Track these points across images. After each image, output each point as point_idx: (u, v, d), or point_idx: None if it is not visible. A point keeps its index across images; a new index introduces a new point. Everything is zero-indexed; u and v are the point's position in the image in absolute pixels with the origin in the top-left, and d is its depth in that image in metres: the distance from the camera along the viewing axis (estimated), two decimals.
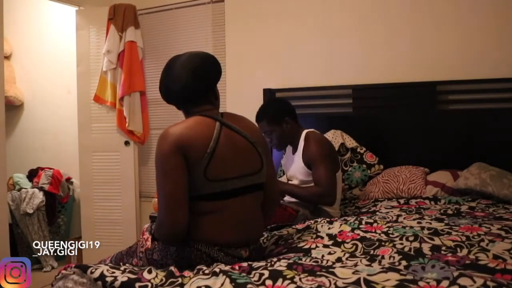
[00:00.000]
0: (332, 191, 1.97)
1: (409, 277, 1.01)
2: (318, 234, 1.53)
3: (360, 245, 1.38)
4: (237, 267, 1.16)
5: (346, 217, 1.72)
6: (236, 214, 1.32)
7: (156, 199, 2.43)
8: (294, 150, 2.16)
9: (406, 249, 1.29)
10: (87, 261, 2.82)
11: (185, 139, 1.26)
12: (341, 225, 1.56)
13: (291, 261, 1.21)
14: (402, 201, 2.20)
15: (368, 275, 1.02)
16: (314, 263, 1.19)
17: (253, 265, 1.16)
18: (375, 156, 2.56)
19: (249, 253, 1.35)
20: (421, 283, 0.96)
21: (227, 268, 1.14)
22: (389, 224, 1.56)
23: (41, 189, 3.41)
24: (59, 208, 3.54)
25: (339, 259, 1.27)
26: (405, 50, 2.69)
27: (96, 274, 1.09)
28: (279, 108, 2.17)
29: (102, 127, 3.36)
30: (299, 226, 1.68)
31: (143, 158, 3.49)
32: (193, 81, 1.35)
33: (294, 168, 2.13)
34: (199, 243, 1.28)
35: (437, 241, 1.35)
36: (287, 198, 2.11)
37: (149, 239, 1.36)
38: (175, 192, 1.24)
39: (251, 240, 1.38)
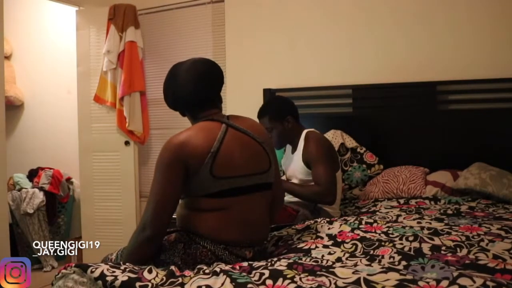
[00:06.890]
0: (332, 190, 1.97)
1: (409, 277, 1.01)
2: (318, 234, 1.53)
3: (360, 245, 1.38)
4: (237, 267, 1.16)
5: (346, 217, 1.72)
6: (243, 213, 1.33)
7: None
8: (294, 149, 2.16)
9: (406, 249, 1.29)
10: (87, 261, 2.79)
11: (186, 149, 1.27)
12: (341, 225, 1.56)
13: (291, 260, 1.21)
14: (402, 201, 2.20)
15: (368, 275, 1.02)
16: (314, 263, 1.19)
17: (253, 264, 1.17)
18: (375, 156, 2.56)
19: (253, 254, 1.36)
20: (421, 283, 0.96)
21: (228, 267, 1.14)
22: (389, 224, 1.56)
23: (41, 189, 3.41)
24: (59, 208, 3.54)
25: (339, 259, 1.27)
26: (405, 50, 2.69)
27: (97, 273, 1.09)
28: (282, 105, 2.18)
29: (102, 127, 3.36)
30: (299, 227, 1.67)
31: (143, 158, 3.48)
32: (204, 86, 1.38)
33: (294, 167, 2.13)
34: (205, 240, 1.30)
35: (437, 241, 1.35)
36: (287, 198, 2.11)
37: None
38: (164, 202, 1.27)
39: (256, 241, 1.38)
